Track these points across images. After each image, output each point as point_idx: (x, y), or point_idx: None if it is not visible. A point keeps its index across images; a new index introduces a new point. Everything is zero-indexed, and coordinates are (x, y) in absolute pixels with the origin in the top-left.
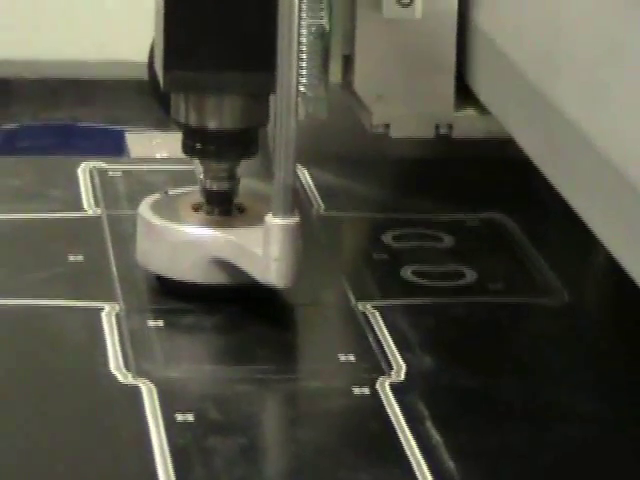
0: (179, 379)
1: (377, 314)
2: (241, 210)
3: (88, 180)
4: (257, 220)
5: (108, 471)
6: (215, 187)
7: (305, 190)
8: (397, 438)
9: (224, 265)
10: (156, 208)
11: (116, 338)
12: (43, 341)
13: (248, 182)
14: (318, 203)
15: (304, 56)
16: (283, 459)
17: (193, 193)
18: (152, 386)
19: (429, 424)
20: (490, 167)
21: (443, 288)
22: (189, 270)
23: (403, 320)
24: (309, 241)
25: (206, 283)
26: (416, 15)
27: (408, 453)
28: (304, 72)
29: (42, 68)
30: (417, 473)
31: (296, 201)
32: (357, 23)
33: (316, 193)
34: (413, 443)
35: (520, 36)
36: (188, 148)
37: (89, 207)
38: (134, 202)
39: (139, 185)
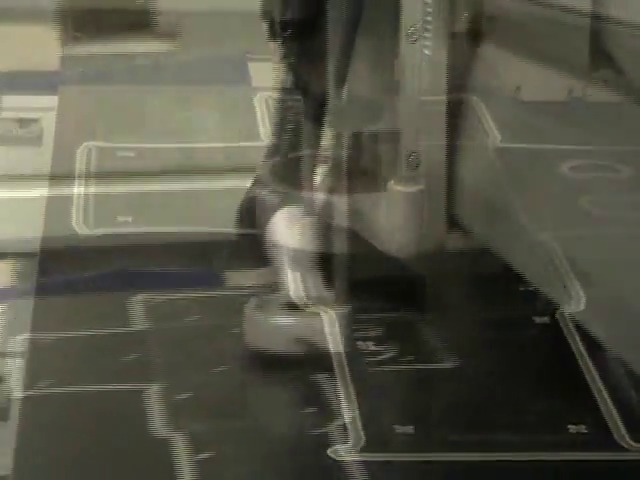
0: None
1: (556, 245)
2: (363, 174)
3: (264, 109)
4: (380, 186)
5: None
6: None
7: (482, 122)
8: (578, 367)
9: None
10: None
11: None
12: None
13: (373, 146)
14: (494, 135)
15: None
16: (463, 386)
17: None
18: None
19: (610, 353)
20: None
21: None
22: (308, 240)
23: (581, 251)
24: (486, 173)
25: (326, 253)
26: None
27: (589, 382)
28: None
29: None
30: (598, 401)
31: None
32: None
33: (492, 125)
34: (594, 372)
35: None
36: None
37: (265, 136)
38: None
39: None
